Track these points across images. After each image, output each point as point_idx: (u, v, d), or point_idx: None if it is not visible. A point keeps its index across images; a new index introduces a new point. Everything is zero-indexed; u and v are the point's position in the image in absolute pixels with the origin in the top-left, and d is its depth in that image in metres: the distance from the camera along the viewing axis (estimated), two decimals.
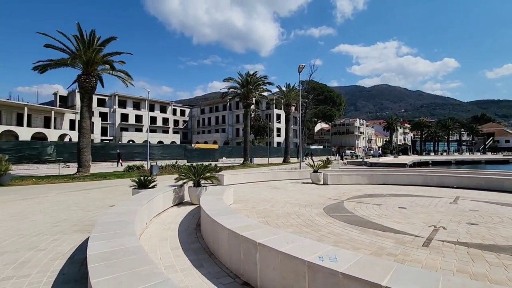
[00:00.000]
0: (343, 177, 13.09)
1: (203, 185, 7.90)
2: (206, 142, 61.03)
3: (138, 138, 55.66)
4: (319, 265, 2.38)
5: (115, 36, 17.67)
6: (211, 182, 8.19)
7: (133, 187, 7.69)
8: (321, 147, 76.25)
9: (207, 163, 9.12)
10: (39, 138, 37.08)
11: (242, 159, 32.10)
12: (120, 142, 50.73)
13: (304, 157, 35.16)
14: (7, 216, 6.55)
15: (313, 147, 71.24)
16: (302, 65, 20.70)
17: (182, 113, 77.51)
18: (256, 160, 35.59)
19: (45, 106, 45.64)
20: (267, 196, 9.33)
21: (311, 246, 2.86)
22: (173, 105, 74.40)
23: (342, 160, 42.50)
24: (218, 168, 8.96)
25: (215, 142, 60.15)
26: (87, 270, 2.38)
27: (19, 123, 39.54)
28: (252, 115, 55.12)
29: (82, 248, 4.23)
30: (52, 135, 40.77)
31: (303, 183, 13.26)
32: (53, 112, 43.28)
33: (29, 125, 40.10)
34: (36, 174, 17.42)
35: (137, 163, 23.25)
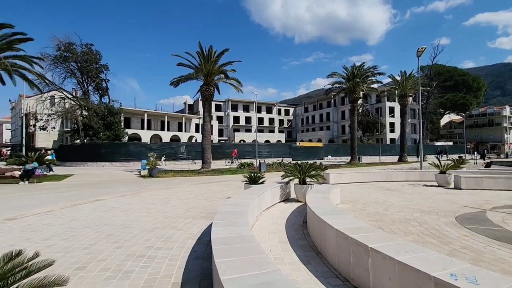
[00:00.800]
0: (484, 180, 10.40)
1: (308, 183, 7.92)
2: (310, 140, 60.89)
3: (248, 138, 61.10)
4: (452, 285, 1.98)
5: (228, 47, 20.02)
6: (316, 180, 8.12)
7: (245, 182, 8.50)
8: (450, 143, 62.93)
9: (312, 161, 9.09)
10: (174, 139, 46.25)
11: (349, 158, 30.29)
12: (233, 142, 57.10)
13: (438, 156, 29.77)
14: (157, 200, 8.47)
15: (438, 143, 59.68)
16: (421, 48, 17.68)
17: (287, 112, 80.00)
18: (366, 159, 32.85)
19: (178, 114, 56.42)
20: (379, 198, 8.48)
21: (439, 260, 2.42)
22: (278, 106, 77.80)
23: (483, 159, 33.84)
24: (323, 167, 8.78)
25: (319, 140, 59.20)
26: (211, 251, 2.80)
27: (162, 128, 50.42)
28: (360, 110, 51.07)
29: (207, 232, 4.99)
30: (183, 137, 50.01)
31: (425, 185, 11.33)
32: (183, 118, 53.04)
33: (168, 129, 50.55)
34: (173, 168, 21.79)
35: (248, 160, 25.56)
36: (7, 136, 71.07)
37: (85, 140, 32.86)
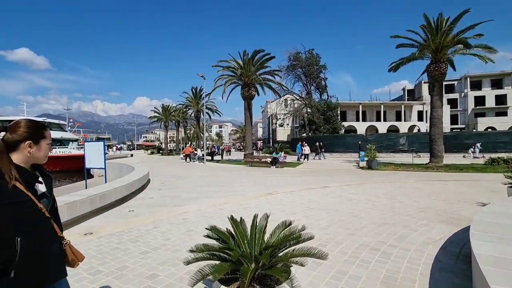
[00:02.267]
0: None
1: None
2: None
3: (501, 124, 44.57)
4: None
5: (468, 8, 15.38)
6: None
7: (509, 185, 6.16)
8: None
9: None
10: (392, 130, 42.76)
11: None
12: (474, 130, 43.92)
13: None
14: (381, 194, 8.16)
15: None
16: None
17: None
18: None
19: (395, 102, 51.56)
20: None
21: None
22: None
23: None
24: None
25: None
26: (473, 270, 2.18)
27: (378, 119, 48.32)
28: None
29: (454, 242, 4.08)
30: (403, 127, 45.09)
31: None
32: (402, 106, 47.73)
33: (384, 119, 47.65)
34: (392, 161, 20.18)
35: (503, 155, 18.60)
36: (260, 133, 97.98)
37: (310, 134, 38.33)
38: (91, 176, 20.49)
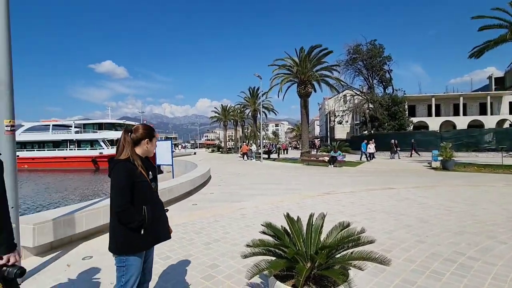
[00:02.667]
0: None
1: None
2: None
3: None
4: None
5: None
6: None
7: None
8: None
9: None
10: (475, 125, 36.98)
11: None
12: None
13: None
14: (459, 199, 7.16)
15: None
16: None
17: None
18: None
19: (479, 93, 44.40)
20: None
21: None
22: None
23: None
24: None
25: None
26: None
27: (455, 113, 42.34)
28: None
29: None
30: (489, 121, 38.62)
31: None
32: (488, 98, 40.89)
33: (464, 113, 41.48)
34: (475, 161, 17.47)
35: None
36: (317, 131, 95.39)
37: (372, 131, 35.73)
38: (161, 172, 22.83)
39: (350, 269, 2.06)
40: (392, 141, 23.79)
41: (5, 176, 2.89)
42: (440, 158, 15.05)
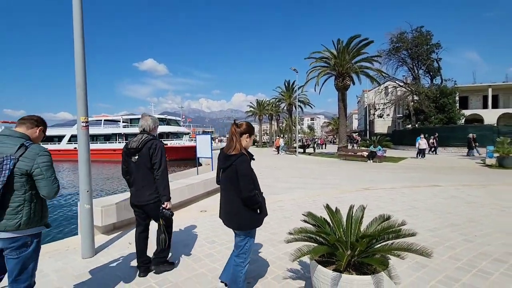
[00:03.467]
0: None
1: None
2: None
3: None
4: None
5: None
6: None
7: None
8: None
9: None
10: None
11: None
12: None
13: None
14: None
15: None
16: None
17: None
18: None
19: None
20: None
21: None
22: None
23: None
24: None
25: None
26: None
27: None
28: None
29: None
30: None
31: None
32: None
33: None
34: None
35: None
36: (355, 125, 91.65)
37: (416, 125, 33.45)
38: (200, 164, 23.96)
39: (390, 258, 2.14)
40: (470, 135, 20.56)
41: (82, 164, 3.43)
42: (496, 154, 13.72)
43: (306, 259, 2.84)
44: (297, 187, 8.68)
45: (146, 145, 2.88)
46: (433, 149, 22.53)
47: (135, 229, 3.14)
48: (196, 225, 4.80)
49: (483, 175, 10.95)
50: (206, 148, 12.70)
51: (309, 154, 26.23)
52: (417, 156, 18.91)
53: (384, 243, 2.18)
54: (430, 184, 8.68)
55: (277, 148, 29.23)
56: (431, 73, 35.44)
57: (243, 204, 2.23)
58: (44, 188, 1.89)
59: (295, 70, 25.69)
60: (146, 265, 3.02)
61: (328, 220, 2.51)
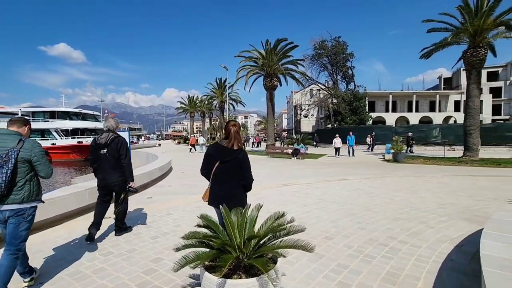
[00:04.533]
0: None
1: None
2: None
3: None
4: None
5: None
6: None
7: None
8: None
9: None
10: (425, 121, 40.30)
11: None
12: None
13: None
14: (402, 188, 7.79)
15: None
16: None
17: None
18: None
19: (430, 92, 48.36)
20: None
21: None
22: None
23: None
24: None
25: None
26: (481, 270, 2.03)
27: (409, 109, 45.75)
28: None
29: (472, 241, 3.81)
30: (437, 118, 42.34)
31: None
32: (437, 96, 44.73)
33: (416, 110, 44.99)
34: (423, 154, 19.10)
35: None
36: (285, 124, 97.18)
37: (335, 125, 37.32)
38: None
39: (279, 257, 2.14)
40: (410, 134, 21.49)
41: None
42: (392, 151, 16.19)
43: None
44: None
45: (114, 141, 3.88)
46: (370, 147, 24.89)
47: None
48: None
49: (381, 169, 12.76)
50: None
51: None
52: (336, 155, 19.42)
53: (274, 242, 2.17)
54: (340, 178, 9.63)
55: (192, 145, 28.59)
56: (347, 79, 39.96)
57: (241, 189, 2.68)
58: (42, 171, 2.58)
59: (225, 68, 25.60)
60: (98, 225, 3.88)
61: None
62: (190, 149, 28.39)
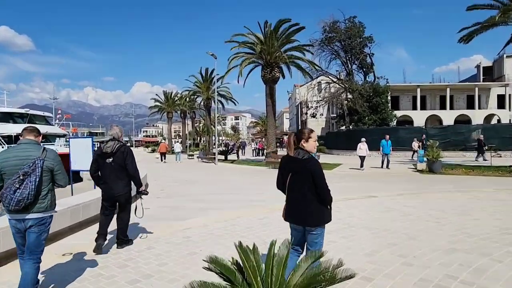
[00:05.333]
0: None
1: None
2: None
3: None
4: None
5: None
6: None
7: None
8: None
9: None
10: (462, 121, 40.74)
11: None
12: None
13: None
14: (448, 208, 7.65)
15: None
16: None
17: None
18: None
19: (467, 83, 48.96)
20: None
21: None
22: None
23: None
24: None
25: None
26: None
27: (442, 107, 46.18)
28: None
29: None
30: (477, 116, 42.77)
31: None
32: (476, 89, 45.19)
33: (451, 107, 45.42)
34: (463, 162, 19.11)
35: None
36: (286, 125, 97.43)
37: (350, 126, 37.37)
38: (80, 180, 21.31)
39: None
40: (481, 136, 20.75)
41: None
42: (426, 158, 16.15)
43: None
44: (213, 207, 8.35)
45: (120, 149, 4.72)
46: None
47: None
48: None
49: (414, 182, 12.68)
50: (86, 157, 11.16)
51: (232, 161, 26.31)
52: (360, 167, 17.87)
53: None
54: (365, 195, 9.47)
55: (162, 154, 28.58)
56: (364, 69, 40.19)
57: (319, 202, 2.98)
58: (62, 180, 3.29)
59: (213, 55, 25.50)
60: (104, 235, 4.83)
61: (242, 264, 2.16)
62: (161, 158, 28.30)
